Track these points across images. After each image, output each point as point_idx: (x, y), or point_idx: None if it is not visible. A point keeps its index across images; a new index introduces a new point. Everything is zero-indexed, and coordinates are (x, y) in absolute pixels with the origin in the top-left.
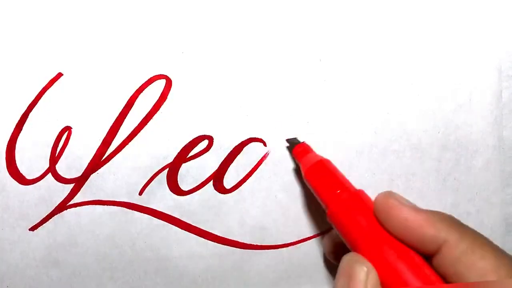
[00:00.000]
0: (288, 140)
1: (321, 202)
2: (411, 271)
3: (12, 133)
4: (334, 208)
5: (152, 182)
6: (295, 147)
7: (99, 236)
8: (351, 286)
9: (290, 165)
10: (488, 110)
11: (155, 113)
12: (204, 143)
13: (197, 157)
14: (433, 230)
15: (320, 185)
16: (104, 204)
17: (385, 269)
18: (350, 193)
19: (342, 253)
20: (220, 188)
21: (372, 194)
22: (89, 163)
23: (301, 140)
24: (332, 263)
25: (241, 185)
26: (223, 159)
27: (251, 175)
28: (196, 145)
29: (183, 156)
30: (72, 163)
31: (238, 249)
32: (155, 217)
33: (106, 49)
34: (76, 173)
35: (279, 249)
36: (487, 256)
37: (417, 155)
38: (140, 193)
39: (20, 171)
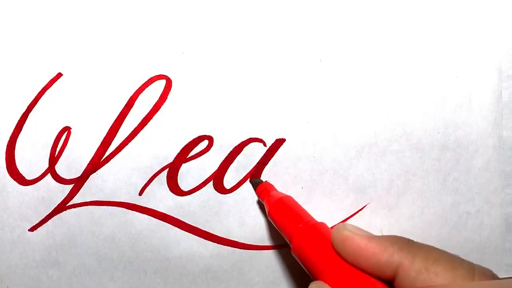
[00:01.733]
0: (251, 181)
1: (286, 238)
2: None
3: (12, 133)
4: (297, 243)
5: (152, 182)
6: (258, 186)
7: (99, 236)
8: None
9: (290, 165)
10: (488, 110)
11: (155, 113)
12: (204, 143)
13: (197, 157)
14: (386, 256)
15: (283, 221)
16: (104, 205)
17: None
18: (310, 227)
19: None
20: (220, 188)
21: (372, 194)
22: (88, 164)
23: (264, 179)
24: None
25: (241, 185)
26: (223, 159)
27: (251, 175)
28: (196, 145)
29: (183, 156)
30: (72, 163)
31: (238, 249)
32: (155, 217)
33: (106, 49)
34: (76, 173)
35: (279, 249)
36: (440, 272)
37: (417, 155)
38: (140, 193)
39: (20, 172)
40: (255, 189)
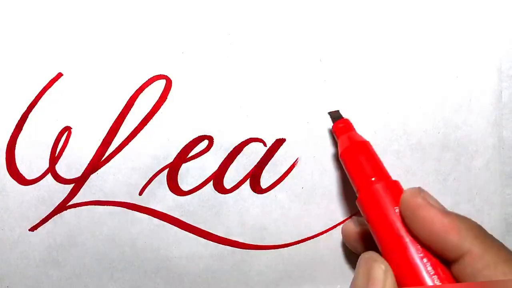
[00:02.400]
0: (330, 113)
1: (353, 185)
2: (428, 274)
3: (12, 133)
4: (364, 196)
5: (152, 182)
6: (336, 122)
7: (99, 236)
8: (370, 285)
9: (290, 165)
10: (488, 110)
11: (155, 113)
12: (204, 143)
13: (197, 157)
14: (457, 238)
15: (355, 168)
16: (104, 204)
17: (402, 268)
18: (384, 184)
19: (362, 242)
20: (220, 188)
21: None
22: (89, 163)
23: (344, 116)
24: (332, 263)
25: (241, 185)
26: (223, 159)
27: (251, 175)
28: (196, 145)
29: (183, 156)
30: (72, 163)
31: (238, 249)
32: (155, 217)
33: (106, 49)
34: (76, 173)
35: (279, 249)
36: (509, 273)
37: (417, 155)
38: (140, 193)
39: (20, 171)
40: (333, 122)
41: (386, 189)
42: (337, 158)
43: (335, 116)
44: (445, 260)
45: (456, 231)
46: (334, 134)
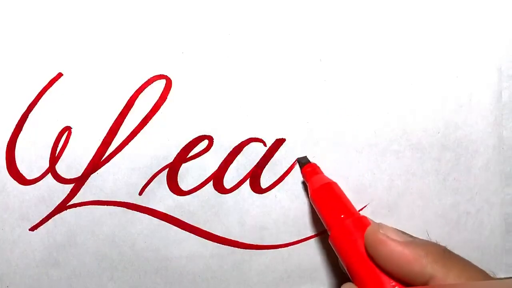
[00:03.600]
0: (298, 159)
1: (325, 224)
2: None
3: (12, 133)
4: (336, 233)
5: (152, 182)
6: (304, 166)
7: (99, 236)
8: None
9: (290, 165)
10: (488, 110)
11: (155, 113)
12: (204, 143)
13: (197, 157)
14: (419, 267)
15: (325, 207)
16: (104, 204)
17: None
18: (353, 220)
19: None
20: (220, 188)
21: (372, 194)
22: (89, 163)
23: (311, 160)
24: (332, 264)
25: (241, 185)
26: (223, 159)
27: (251, 175)
28: (196, 145)
29: (183, 156)
30: (72, 163)
31: (238, 249)
32: (155, 217)
33: (106, 49)
34: (76, 173)
35: (279, 249)
36: None
37: (417, 155)
38: (140, 193)
39: (20, 171)
40: (301, 168)
41: (355, 225)
42: (337, 157)
43: (303, 161)
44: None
45: (417, 259)
46: (304, 179)
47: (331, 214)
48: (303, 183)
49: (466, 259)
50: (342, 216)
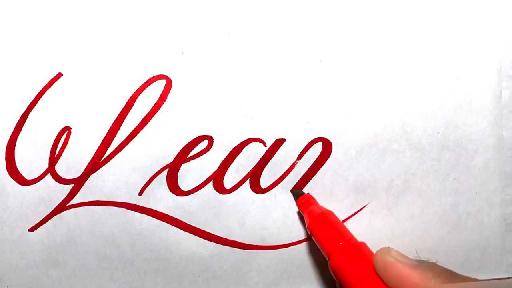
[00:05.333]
0: (292, 192)
1: (324, 253)
2: None
3: (12, 133)
4: (336, 260)
5: (152, 182)
6: (299, 198)
7: (99, 236)
8: None
9: (290, 165)
10: (488, 110)
11: (155, 113)
12: (204, 143)
13: (197, 157)
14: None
15: (322, 236)
16: (104, 205)
17: None
18: (351, 246)
19: None
20: (220, 188)
21: (372, 194)
22: (88, 164)
23: (305, 192)
24: None
25: (241, 185)
26: (223, 159)
27: (251, 175)
28: (196, 145)
29: (183, 156)
30: (72, 163)
31: (238, 249)
32: (155, 217)
33: (106, 49)
34: (76, 173)
35: (279, 249)
36: None
37: (417, 155)
38: (140, 193)
39: (20, 172)
40: (296, 200)
41: (355, 250)
42: (337, 157)
43: (297, 193)
44: None
45: (425, 280)
46: (300, 210)
47: (330, 243)
48: (298, 213)
49: (473, 278)
50: (340, 243)
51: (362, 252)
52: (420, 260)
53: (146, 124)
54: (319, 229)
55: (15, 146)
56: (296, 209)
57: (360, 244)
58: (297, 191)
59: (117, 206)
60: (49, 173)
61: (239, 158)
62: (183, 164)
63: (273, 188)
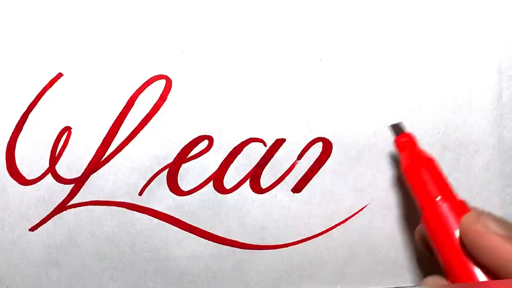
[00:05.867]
0: (392, 126)
1: (417, 202)
2: None
3: (12, 133)
4: (429, 216)
5: (152, 182)
6: (399, 135)
7: (99, 236)
8: None
9: (290, 165)
10: (488, 110)
11: (155, 113)
12: (204, 143)
13: (197, 157)
14: None
15: (420, 186)
16: (104, 204)
17: None
18: (450, 204)
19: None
20: (220, 188)
21: (372, 194)
22: (89, 163)
23: (407, 130)
24: (331, 263)
25: (241, 185)
26: (223, 159)
27: (251, 175)
28: (196, 145)
29: (183, 156)
30: (72, 163)
31: (238, 249)
32: (155, 217)
33: (106, 49)
34: (76, 173)
35: (279, 249)
36: None
37: None
38: (140, 193)
39: (20, 171)
40: (395, 137)
41: (452, 210)
42: (337, 157)
43: (398, 129)
44: None
45: None
46: (396, 149)
47: (426, 194)
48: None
49: None
50: (438, 197)
51: (460, 212)
52: None
53: (146, 124)
54: (416, 177)
55: (15, 146)
56: (296, 209)
57: (461, 203)
58: (397, 126)
59: (117, 206)
60: (49, 173)
61: (239, 158)
62: (183, 164)
63: (273, 188)
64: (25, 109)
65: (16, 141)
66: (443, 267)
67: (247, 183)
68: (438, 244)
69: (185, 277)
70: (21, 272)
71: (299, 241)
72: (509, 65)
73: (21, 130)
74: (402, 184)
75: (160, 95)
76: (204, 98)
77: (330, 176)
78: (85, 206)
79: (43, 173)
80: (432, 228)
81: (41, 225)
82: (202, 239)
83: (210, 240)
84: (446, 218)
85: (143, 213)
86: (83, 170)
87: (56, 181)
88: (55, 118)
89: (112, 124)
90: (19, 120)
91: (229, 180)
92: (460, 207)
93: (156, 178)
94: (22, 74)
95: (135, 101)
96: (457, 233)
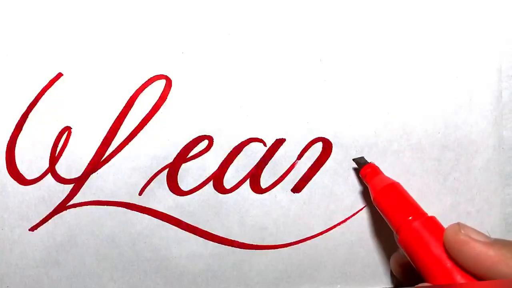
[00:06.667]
0: (355, 160)
1: (391, 226)
2: None
3: (12, 133)
4: (405, 235)
5: (152, 182)
6: (363, 167)
7: (99, 236)
8: None
9: (290, 165)
10: (488, 110)
11: (155, 113)
12: (204, 143)
13: (197, 157)
14: (505, 267)
15: (390, 209)
16: (104, 204)
17: None
18: (421, 221)
19: (409, 272)
20: (220, 188)
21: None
22: (89, 163)
23: (369, 161)
24: (331, 263)
25: (241, 185)
26: (223, 159)
27: (251, 175)
28: (196, 145)
29: (183, 156)
30: (72, 163)
31: (238, 249)
32: (155, 217)
33: (106, 49)
34: (76, 173)
35: (279, 249)
36: None
37: (417, 155)
38: (140, 193)
39: (20, 171)
40: (359, 169)
41: (425, 226)
42: (337, 157)
43: (361, 162)
44: None
45: (504, 261)
46: (363, 179)
47: (398, 216)
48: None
49: None
50: (410, 217)
51: (433, 227)
52: (493, 238)
53: (146, 124)
54: (386, 201)
55: (15, 146)
56: (296, 209)
57: (430, 220)
58: (360, 159)
59: (117, 206)
60: (49, 173)
61: (239, 158)
62: (183, 164)
63: (273, 188)
64: (25, 109)
65: (16, 141)
66: (429, 281)
67: (247, 183)
68: (419, 260)
69: (185, 277)
70: (21, 272)
71: (299, 241)
72: (509, 65)
73: (21, 130)
74: None
75: (160, 95)
76: (204, 98)
77: (330, 176)
78: (85, 206)
79: (43, 173)
80: (411, 246)
81: (41, 225)
82: (202, 239)
83: (210, 240)
84: (422, 232)
85: (143, 213)
86: (83, 170)
87: (56, 181)
88: (55, 118)
89: (112, 124)
90: (19, 120)
91: (229, 180)
92: (432, 222)
93: (156, 178)
94: (22, 74)
95: (135, 101)
96: (435, 245)
